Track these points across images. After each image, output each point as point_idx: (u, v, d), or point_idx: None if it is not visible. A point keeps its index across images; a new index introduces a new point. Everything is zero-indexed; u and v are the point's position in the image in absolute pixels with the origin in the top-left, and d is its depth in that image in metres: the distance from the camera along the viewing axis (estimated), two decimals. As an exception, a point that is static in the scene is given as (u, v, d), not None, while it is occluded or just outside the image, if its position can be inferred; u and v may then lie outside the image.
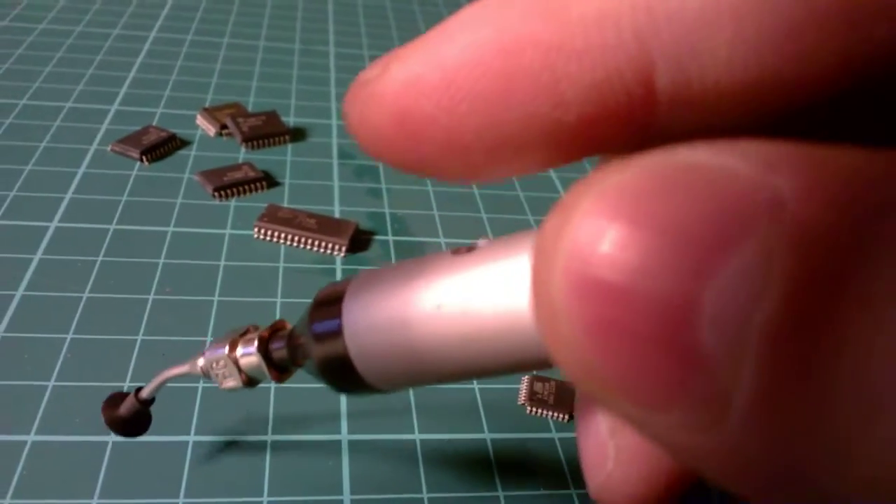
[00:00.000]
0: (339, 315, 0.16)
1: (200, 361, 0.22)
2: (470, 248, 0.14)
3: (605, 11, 0.11)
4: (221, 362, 0.21)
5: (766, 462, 0.09)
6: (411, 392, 0.32)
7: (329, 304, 0.16)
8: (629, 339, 0.09)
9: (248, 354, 0.20)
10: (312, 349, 0.17)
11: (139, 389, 0.24)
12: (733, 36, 0.10)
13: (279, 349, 0.20)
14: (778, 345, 0.08)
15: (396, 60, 0.13)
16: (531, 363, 0.13)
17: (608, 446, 0.15)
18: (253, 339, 0.20)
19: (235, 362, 0.21)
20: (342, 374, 0.16)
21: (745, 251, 0.08)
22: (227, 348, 0.21)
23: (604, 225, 0.09)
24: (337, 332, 0.16)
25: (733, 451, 0.09)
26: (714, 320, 0.08)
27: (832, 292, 0.08)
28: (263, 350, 0.20)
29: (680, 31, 0.10)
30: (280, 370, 0.21)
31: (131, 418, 0.25)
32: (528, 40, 0.11)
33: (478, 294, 0.13)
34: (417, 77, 0.12)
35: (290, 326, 0.21)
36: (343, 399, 0.32)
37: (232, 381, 0.21)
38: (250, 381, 0.21)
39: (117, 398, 0.25)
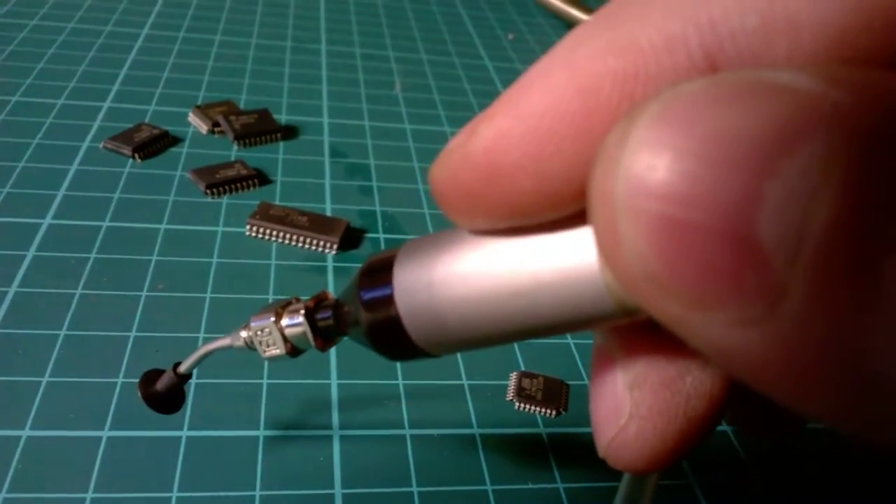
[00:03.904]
0: (389, 281, 0.16)
1: (243, 333, 0.22)
2: None
3: (673, 35, 0.11)
4: (267, 330, 0.21)
5: (814, 356, 0.09)
6: (401, 388, 0.33)
7: (378, 271, 0.17)
8: (687, 234, 0.10)
9: (294, 324, 0.21)
10: (362, 317, 0.17)
11: (178, 364, 0.24)
12: (791, 45, 0.11)
13: (325, 318, 0.20)
14: (836, 238, 0.09)
15: (483, 121, 0.14)
16: (580, 316, 0.14)
17: (625, 401, 0.15)
18: (299, 310, 0.21)
19: (281, 332, 0.21)
20: (393, 339, 0.16)
21: (806, 151, 0.09)
22: (272, 318, 0.21)
23: (670, 129, 0.10)
24: (387, 298, 0.16)
25: (783, 344, 0.09)
26: (774, 213, 0.09)
27: (889, 192, 0.09)
28: (310, 320, 0.21)
29: (743, 45, 0.11)
30: (325, 339, 0.21)
31: (168, 394, 0.25)
32: (604, 75, 0.12)
33: (531, 244, 0.14)
34: (503, 132, 0.13)
35: (332, 297, 0.21)
36: (335, 394, 0.32)
37: (276, 350, 0.21)
38: (294, 350, 0.21)
39: (153, 375, 0.25)
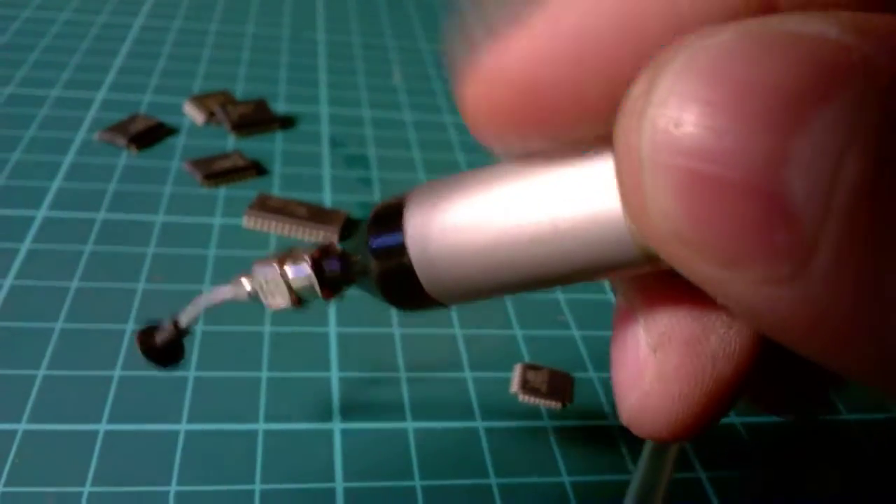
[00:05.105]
0: (400, 227, 0.16)
1: (245, 282, 0.21)
2: (538, 155, 0.14)
3: None
4: (271, 279, 0.20)
5: (844, 313, 0.09)
6: (404, 380, 0.32)
7: (388, 217, 0.16)
8: (716, 191, 0.09)
9: (299, 274, 0.20)
10: (371, 265, 0.17)
11: (176, 317, 0.23)
12: None
13: (332, 268, 0.20)
14: (866, 194, 0.09)
15: (518, 33, 0.13)
16: (603, 262, 0.13)
17: (648, 363, 0.15)
18: (304, 258, 0.20)
19: (286, 282, 0.20)
20: (404, 288, 0.16)
21: (835, 104, 0.09)
22: (276, 266, 0.20)
23: (696, 83, 0.10)
24: (398, 245, 0.16)
25: (813, 302, 0.09)
26: (804, 168, 0.09)
27: None
28: (316, 269, 0.20)
29: None
30: (332, 289, 0.20)
31: (167, 346, 0.24)
32: None
33: (550, 185, 0.13)
34: (542, 45, 0.12)
35: (338, 247, 0.20)
36: (335, 387, 0.32)
37: (281, 301, 0.20)
38: (299, 300, 0.20)
39: (153, 329, 0.24)
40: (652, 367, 0.15)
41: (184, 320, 0.23)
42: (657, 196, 0.10)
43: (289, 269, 0.20)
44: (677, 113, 0.10)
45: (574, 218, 0.13)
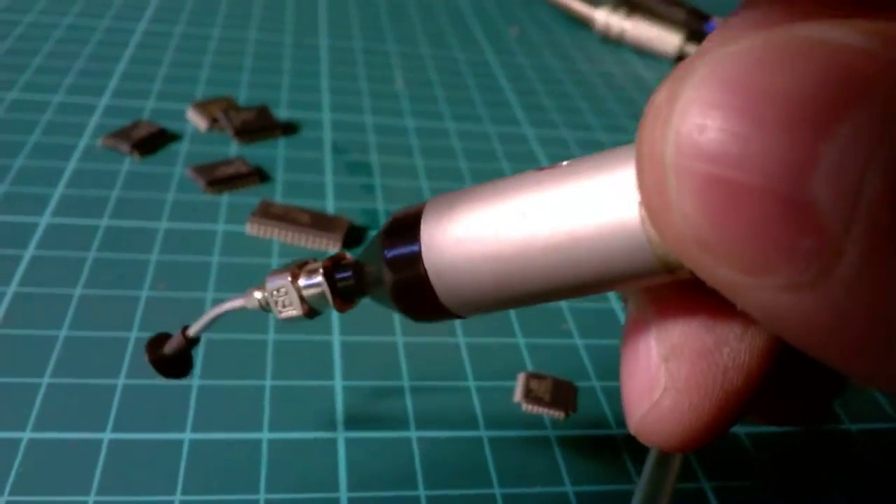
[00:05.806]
0: (415, 239, 0.16)
1: (257, 294, 0.21)
2: (553, 167, 0.14)
3: None
4: (283, 290, 0.20)
5: (865, 321, 0.09)
6: (407, 389, 0.32)
7: (403, 228, 0.16)
8: (739, 196, 0.09)
9: (312, 284, 0.20)
10: (385, 276, 0.16)
11: (186, 327, 0.24)
12: None
13: (345, 278, 0.20)
14: (893, 199, 0.09)
15: None
16: (620, 272, 0.13)
17: (659, 373, 0.15)
18: (317, 270, 0.20)
19: (298, 292, 0.20)
20: (419, 298, 0.16)
21: (861, 112, 0.09)
22: (289, 277, 0.20)
23: (721, 88, 0.10)
24: (414, 256, 0.16)
25: (834, 309, 0.09)
26: (829, 175, 0.09)
27: None
28: (329, 279, 0.20)
29: None
30: (344, 299, 0.20)
31: (176, 357, 0.24)
32: None
33: (567, 196, 0.13)
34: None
35: (350, 257, 0.20)
36: (339, 396, 0.32)
37: (293, 311, 0.21)
38: (312, 311, 0.21)
39: (161, 338, 0.24)
40: (663, 378, 0.15)
41: (192, 330, 0.23)
42: (680, 201, 0.10)
43: (301, 280, 0.20)
44: (701, 119, 0.10)
45: (590, 226, 0.13)
